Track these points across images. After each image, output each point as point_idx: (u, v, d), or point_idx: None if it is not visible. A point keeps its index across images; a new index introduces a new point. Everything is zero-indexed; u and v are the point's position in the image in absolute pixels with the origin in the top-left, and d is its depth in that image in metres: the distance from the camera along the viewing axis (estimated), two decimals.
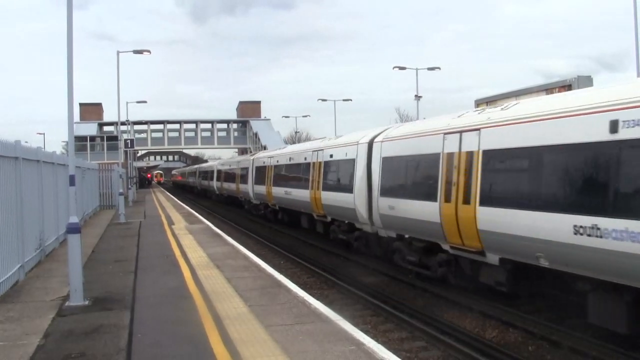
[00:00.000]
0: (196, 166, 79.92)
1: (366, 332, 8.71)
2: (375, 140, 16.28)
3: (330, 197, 19.33)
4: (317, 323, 8.29)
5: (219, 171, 50.48)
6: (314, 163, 21.52)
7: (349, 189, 17.47)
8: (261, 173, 30.77)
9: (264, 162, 30.75)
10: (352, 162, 17.49)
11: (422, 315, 11.60)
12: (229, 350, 7.10)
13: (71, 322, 8.71)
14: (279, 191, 26.43)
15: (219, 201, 51.46)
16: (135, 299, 10.17)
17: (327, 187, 19.82)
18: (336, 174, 19.38)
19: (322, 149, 20.92)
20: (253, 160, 34.05)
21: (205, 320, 8.53)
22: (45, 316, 9.02)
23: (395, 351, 7.88)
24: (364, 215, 16.56)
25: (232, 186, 41.47)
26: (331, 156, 19.80)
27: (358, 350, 7.03)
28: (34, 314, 9.15)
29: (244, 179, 36.41)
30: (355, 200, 16.91)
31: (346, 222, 18.51)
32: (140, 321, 8.64)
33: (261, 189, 30.46)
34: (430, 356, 9.58)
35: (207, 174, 59.33)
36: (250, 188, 33.58)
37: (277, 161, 27.74)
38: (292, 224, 27.10)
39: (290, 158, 25.48)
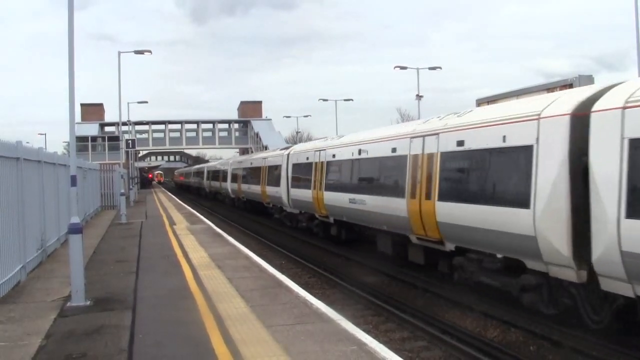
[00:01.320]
0: (204, 165, 70.26)
1: (367, 332, 8.71)
2: (596, 108, 8.65)
3: (461, 213, 11.55)
4: (318, 323, 8.29)
5: (234, 170, 41.49)
6: (415, 156, 13.62)
7: (517, 200, 10.00)
8: (303, 172, 23.23)
9: (307, 158, 22.90)
10: (524, 152, 9.98)
11: (424, 315, 11.61)
12: (230, 351, 7.09)
13: (72, 322, 8.71)
14: (337, 198, 18.89)
15: (235, 206, 42.85)
16: (136, 299, 10.18)
17: (450, 196, 12.10)
18: (475, 174, 11.64)
19: (437, 133, 12.84)
20: (289, 155, 25.95)
21: (206, 321, 8.53)
22: (46, 317, 9.03)
23: (396, 351, 7.86)
24: (563, 251, 9.06)
25: (254, 189, 33.17)
26: (460, 144, 11.88)
27: (359, 350, 7.03)
28: (35, 315, 9.16)
29: (273, 179, 28.40)
30: (537, 221, 9.48)
31: (499, 256, 10.82)
32: (142, 321, 8.64)
33: (303, 194, 22.77)
34: (431, 356, 9.58)
35: (218, 174, 50.60)
36: (284, 192, 25.70)
37: (334, 155, 19.89)
38: (355, 245, 20.16)
39: (360, 150, 17.49)
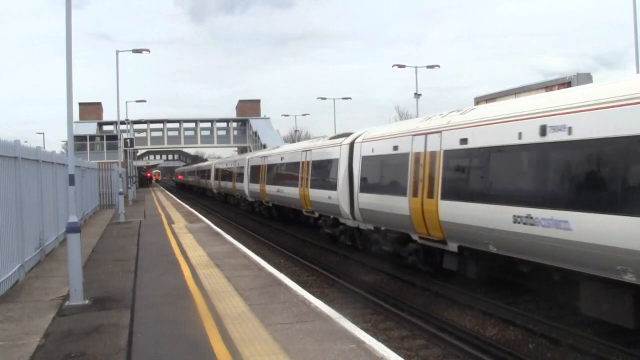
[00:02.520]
0: (212, 162, 60.22)
1: (366, 330, 8.72)
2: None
3: None
4: (317, 322, 8.29)
5: (255, 167, 32.54)
6: None
7: None
8: (385, 169, 15.64)
9: (396, 147, 14.77)
10: None
11: (422, 313, 11.61)
12: (229, 350, 7.09)
13: (71, 321, 8.71)
14: (477, 214, 11.20)
15: (254, 212, 34.37)
16: (135, 298, 10.17)
17: None
18: None
19: None
20: (352, 145, 18.00)
21: (205, 320, 8.53)
22: (45, 316, 9.02)
23: (395, 349, 7.88)
24: None
25: (288, 193, 24.87)
26: None
27: (358, 348, 7.03)
28: (34, 314, 9.15)
29: (322, 180, 20.49)
30: None
31: None
32: (140, 320, 8.64)
33: (387, 202, 14.89)
34: (430, 354, 9.58)
35: (230, 173, 41.80)
36: (344, 198, 17.97)
37: (464, 141, 11.87)
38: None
39: (569, 128, 9.16)
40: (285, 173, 26.14)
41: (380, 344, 7.38)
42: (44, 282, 11.74)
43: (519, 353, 9.16)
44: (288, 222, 27.76)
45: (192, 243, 17.74)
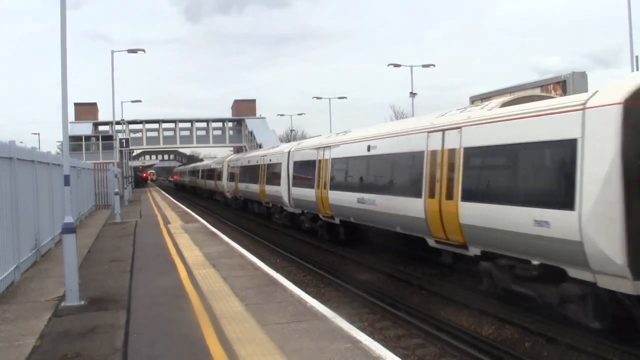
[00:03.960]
0: (223, 158, 48.00)
1: (363, 329, 8.71)
2: None
3: None
4: (313, 321, 8.28)
5: (300, 164, 23.02)
6: None
7: None
8: None
9: None
10: None
11: (419, 312, 11.61)
12: (226, 350, 7.08)
13: (67, 322, 8.69)
14: None
15: (298, 229, 24.48)
16: (131, 298, 10.15)
17: None
18: None
19: None
20: None
21: (201, 320, 8.52)
22: (41, 317, 9.00)
23: (392, 349, 7.88)
24: None
25: (387, 206, 14.85)
26: None
27: (355, 348, 7.03)
28: (29, 315, 9.13)
29: (495, 188, 10.86)
30: None
31: None
32: (137, 321, 8.62)
33: None
34: (427, 353, 9.59)
35: (255, 173, 30.89)
36: (608, 226, 8.02)
37: None
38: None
39: None
40: (377, 172, 16.23)
41: (376, 343, 7.38)
42: (40, 283, 11.71)
43: (516, 352, 9.18)
44: (373, 250, 18.04)
45: (188, 243, 17.72)
